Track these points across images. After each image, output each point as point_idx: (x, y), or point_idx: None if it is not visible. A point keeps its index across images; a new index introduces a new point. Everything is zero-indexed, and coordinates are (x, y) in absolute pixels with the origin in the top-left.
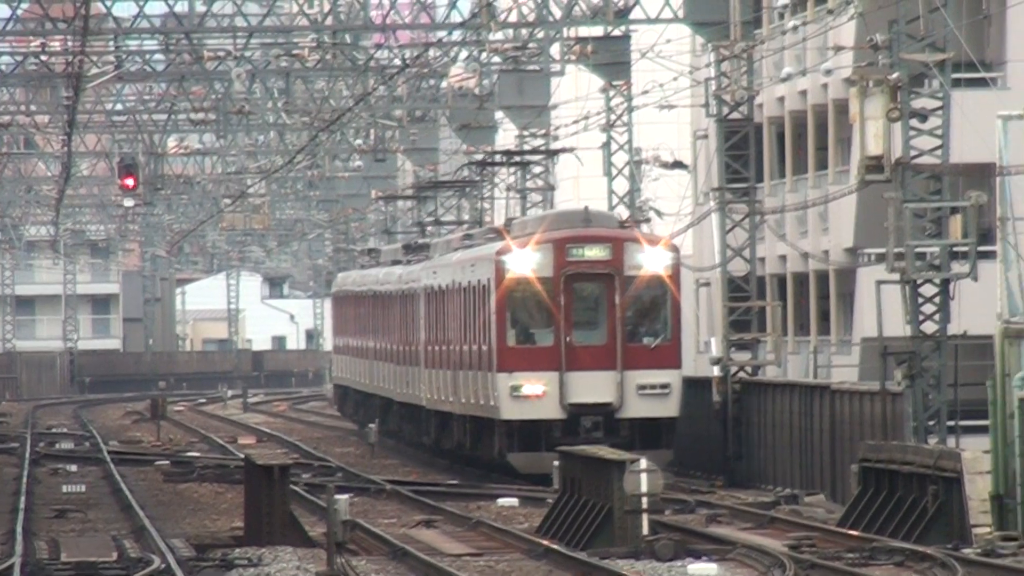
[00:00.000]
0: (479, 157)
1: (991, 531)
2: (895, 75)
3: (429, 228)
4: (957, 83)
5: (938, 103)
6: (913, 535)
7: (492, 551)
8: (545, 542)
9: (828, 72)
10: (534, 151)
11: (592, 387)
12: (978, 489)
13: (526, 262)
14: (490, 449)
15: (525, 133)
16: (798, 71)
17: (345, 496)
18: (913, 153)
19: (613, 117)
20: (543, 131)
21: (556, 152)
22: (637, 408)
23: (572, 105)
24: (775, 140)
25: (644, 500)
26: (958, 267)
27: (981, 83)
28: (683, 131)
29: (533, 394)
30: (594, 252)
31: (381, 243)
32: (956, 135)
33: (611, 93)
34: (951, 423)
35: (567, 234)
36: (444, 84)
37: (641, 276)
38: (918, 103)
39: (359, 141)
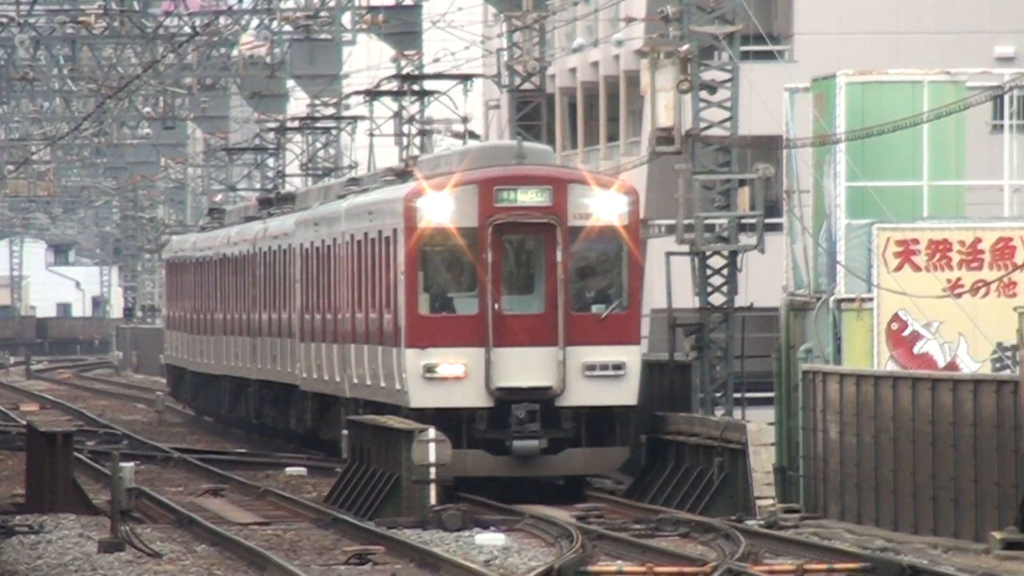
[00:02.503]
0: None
1: (774, 503)
2: (685, 47)
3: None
4: (746, 56)
5: (727, 75)
6: (699, 507)
7: (280, 520)
8: (333, 511)
9: (619, 44)
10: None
11: (526, 367)
12: (762, 461)
13: (444, 208)
14: None
15: (316, 102)
16: (590, 42)
17: (130, 464)
18: (703, 125)
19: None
20: (334, 100)
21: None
22: (583, 394)
23: (364, 74)
24: (567, 111)
25: (432, 470)
26: (746, 239)
27: (769, 56)
28: (475, 101)
29: (451, 375)
30: (530, 196)
31: (171, 211)
32: (745, 108)
33: (402, 62)
34: (737, 395)
35: (496, 173)
36: (235, 52)
37: (590, 227)
38: (708, 75)
39: (148, 109)
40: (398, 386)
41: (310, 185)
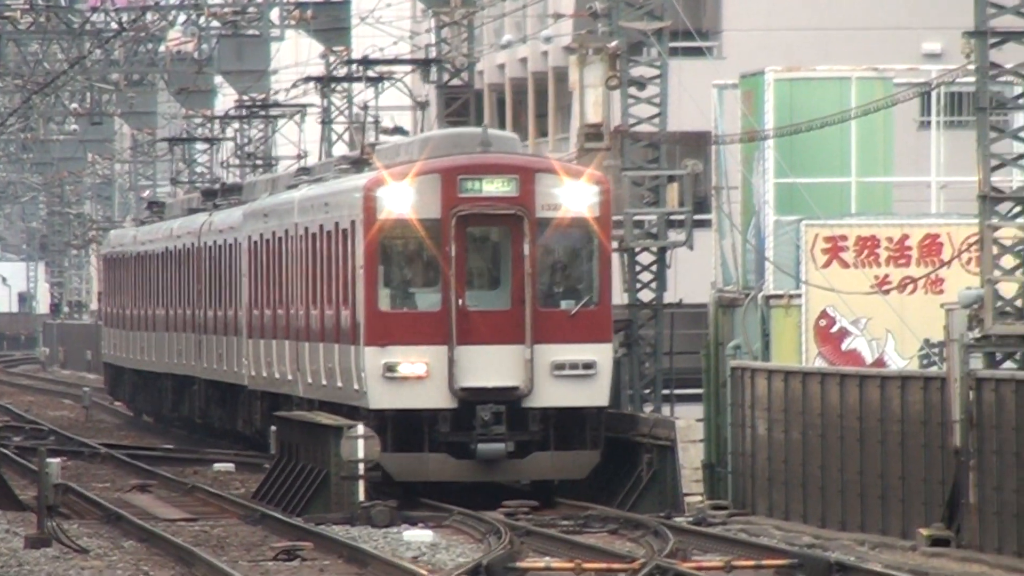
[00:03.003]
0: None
1: (702, 499)
2: (614, 43)
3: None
4: (675, 52)
5: (656, 72)
6: (628, 503)
7: (208, 516)
8: (261, 507)
9: (548, 40)
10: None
11: (492, 366)
12: (691, 457)
13: (405, 199)
14: None
15: (245, 98)
16: (518, 38)
17: (57, 460)
18: (631, 121)
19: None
20: (262, 96)
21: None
22: (552, 394)
23: (292, 70)
24: (496, 107)
25: (361, 466)
26: (675, 236)
27: (698, 52)
28: (403, 97)
29: (413, 375)
30: (496, 186)
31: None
32: (674, 104)
33: (331, 58)
34: (666, 391)
35: (459, 162)
36: (162, 48)
37: (559, 219)
38: (636, 71)
39: (74, 104)
40: (356, 386)
41: (251, 177)
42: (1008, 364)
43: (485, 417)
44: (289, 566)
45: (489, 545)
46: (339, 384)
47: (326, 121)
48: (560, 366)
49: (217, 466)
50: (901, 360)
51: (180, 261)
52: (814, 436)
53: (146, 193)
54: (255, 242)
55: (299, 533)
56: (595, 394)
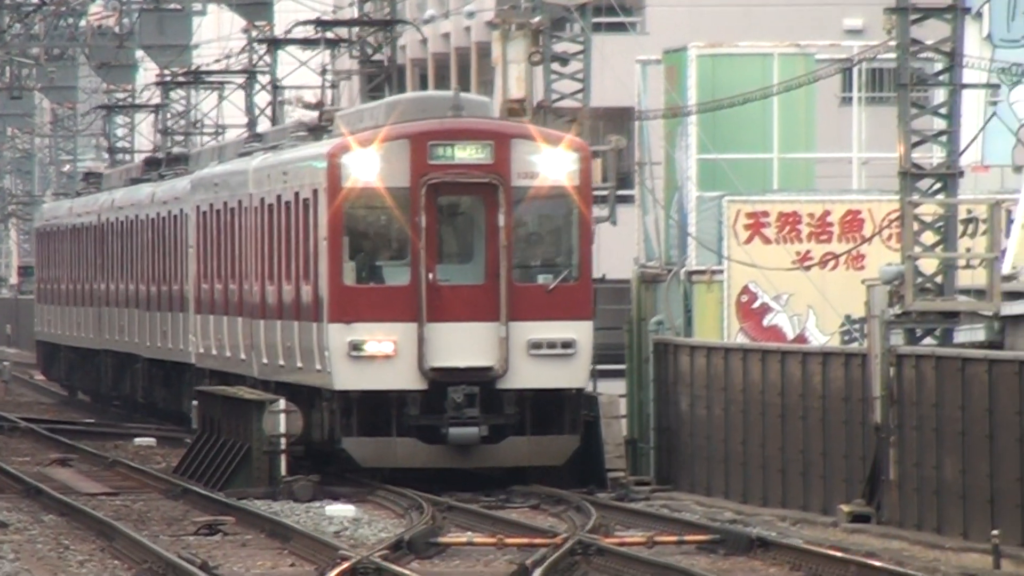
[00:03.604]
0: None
1: (625, 475)
2: (537, 19)
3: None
4: (598, 27)
5: (579, 47)
6: (550, 479)
7: (129, 490)
8: (183, 482)
9: (471, 15)
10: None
11: (464, 345)
12: (614, 433)
13: (371, 166)
14: (316, 430)
15: (166, 72)
16: (441, 13)
17: None
18: (555, 97)
19: (255, 57)
20: (184, 70)
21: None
22: (528, 375)
23: (214, 45)
24: (418, 82)
25: (283, 440)
26: (598, 211)
27: (621, 28)
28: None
29: (380, 354)
30: (468, 152)
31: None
32: (597, 79)
33: (253, 33)
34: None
35: (430, 127)
36: (83, 22)
37: (536, 187)
38: (559, 47)
39: None
40: (319, 366)
41: (199, 146)
42: (928, 340)
43: (457, 399)
44: (211, 540)
45: (411, 520)
46: (299, 364)
47: (276, 86)
48: (537, 345)
49: (138, 440)
50: (822, 336)
51: (121, 233)
52: (736, 412)
53: (66, 168)
54: (204, 213)
55: (221, 508)
56: (574, 375)
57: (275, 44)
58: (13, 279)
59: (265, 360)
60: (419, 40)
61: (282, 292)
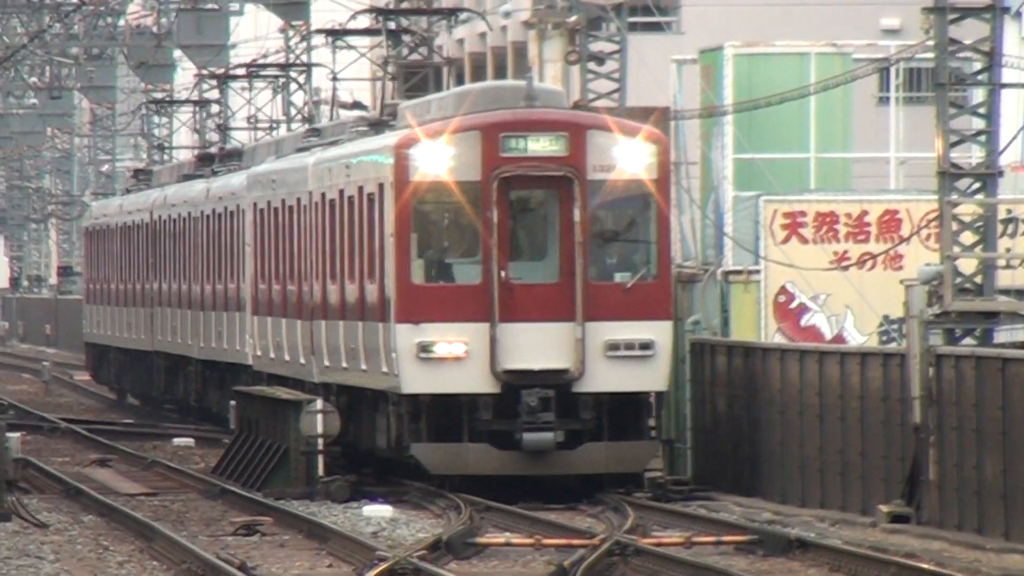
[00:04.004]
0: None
1: (663, 475)
2: (573, 18)
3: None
4: (634, 27)
5: (615, 47)
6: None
7: (167, 491)
8: (221, 482)
9: (507, 15)
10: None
11: (538, 346)
12: None
13: (441, 159)
14: (381, 436)
15: (204, 72)
16: (478, 12)
17: (17, 434)
18: (591, 96)
19: (292, 56)
20: (222, 70)
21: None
22: (605, 378)
23: (251, 44)
24: (455, 82)
25: (320, 441)
26: None
27: (657, 28)
28: (363, 72)
29: (450, 355)
30: (542, 145)
31: (57, 181)
32: (633, 79)
33: (290, 32)
34: None
35: (502, 117)
36: (121, 22)
37: (613, 181)
38: (596, 47)
39: (34, 79)
40: (385, 368)
41: (258, 140)
42: (967, 340)
43: (531, 403)
44: (249, 541)
45: (449, 520)
46: (363, 366)
47: (336, 77)
48: (614, 346)
49: (177, 441)
50: (860, 336)
51: (174, 231)
52: (774, 412)
53: (105, 167)
54: (261, 210)
55: (259, 508)
56: (653, 377)
57: (333, 35)
58: (53, 279)
59: (327, 363)
60: (456, 40)
61: (345, 291)
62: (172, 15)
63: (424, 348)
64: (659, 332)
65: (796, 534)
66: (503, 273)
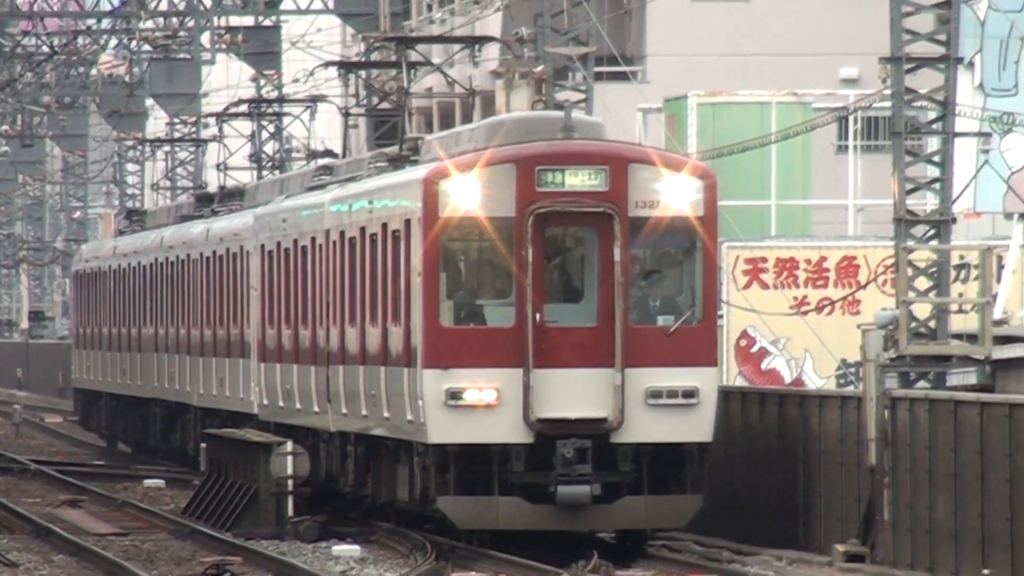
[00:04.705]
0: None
1: None
2: (539, 68)
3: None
4: (599, 77)
5: (581, 96)
6: None
7: (138, 531)
8: (191, 523)
9: (475, 64)
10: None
11: (574, 394)
12: None
13: (472, 193)
14: (402, 488)
15: (176, 120)
16: (445, 62)
17: None
18: None
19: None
20: (193, 118)
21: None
22: (646, 428)
23: (223, 93)
24: (424, 130)
25: (290, 482)
26: None
27: (622, 77)
28: (333, 120)
29: (481, 403)
30: (581, 179)
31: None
32: None
33: (261, 82)
34: None
35: (538, 150)
36: (94, 71)
37: (656, 218)
38: (562, 96)
39: (5, 127)
40: (410, 416)
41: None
42: (921, 383)
43: (567, 454)
44: None
45: (416, 560)
46: (385, 414)
47: (347, 113)
48: (656, 394)
49: (147, 482)
50: (819, 379)
51: (171, 274)
52: (736, 453)
53: (77, 214)
54: (269, 251)
55: (228, 548)
56: (697, 427)
57: (349, 68)
58: (24, 324)
59: (344, 410)
60: (425, 88)
61: (366, 335)
62: (144, 64)
63: (453, 395)
64: (704, 379)
65: (755, 573)
66: (538, 316)
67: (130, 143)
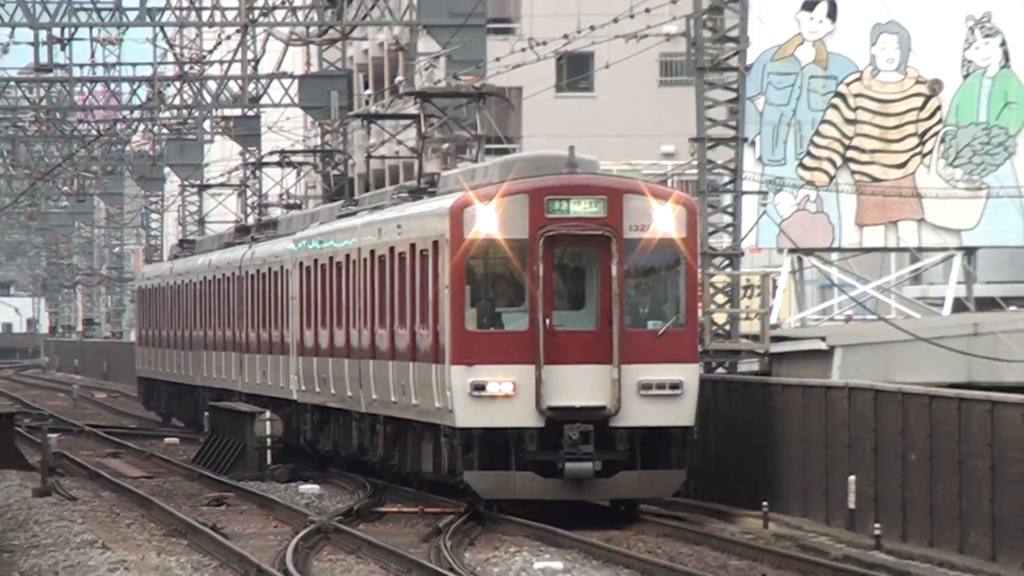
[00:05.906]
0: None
1: None
2: (446, 145)
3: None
4: (489, 151)
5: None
6: None
7: (161, 474)
8: (198, 469)
9: (399, 142)
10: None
11: (579, 385)
12: None
13: (492, 219)
14: (427, 462)
15: (187, 183)
16: (380, 141)
17: (54, 435)
18: None
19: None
20: (198, 181)
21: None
22: (639, 414)
23: (219, 163)
24: (367, 190)
25: (268, 440)
26: None
27: (505, 152)
28: (301, 187)
29: (500, 394)
30: (583, 207)
31: (82, 259)
32: None
33: (247, 156)
34: None
35: (547, 183)
36: (128, 147)
37: (646, 239)
38: (463, 166)
39: (66, 187)
40: (439, 404)
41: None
42: (720, 370)
43: (573, 436)
44: (218, 509)
45: (359, 496)
46: (414, 401)
47: (325, 165)
48: (647, 386)
49: (167, 440)
50: None
51: (219, 289)
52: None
53: (116, 249)
54: (307, 268)
55: (225, 487)
56: (682, 414)
57: (368, 119)
58: (79, 327)
59: (374, 396)
60: (364, 159)
61: (395, 335)
62: (163, 143)
63: (476, 387)
64: (687, 374)
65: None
66: (548, 321)
67: (154, 199)
